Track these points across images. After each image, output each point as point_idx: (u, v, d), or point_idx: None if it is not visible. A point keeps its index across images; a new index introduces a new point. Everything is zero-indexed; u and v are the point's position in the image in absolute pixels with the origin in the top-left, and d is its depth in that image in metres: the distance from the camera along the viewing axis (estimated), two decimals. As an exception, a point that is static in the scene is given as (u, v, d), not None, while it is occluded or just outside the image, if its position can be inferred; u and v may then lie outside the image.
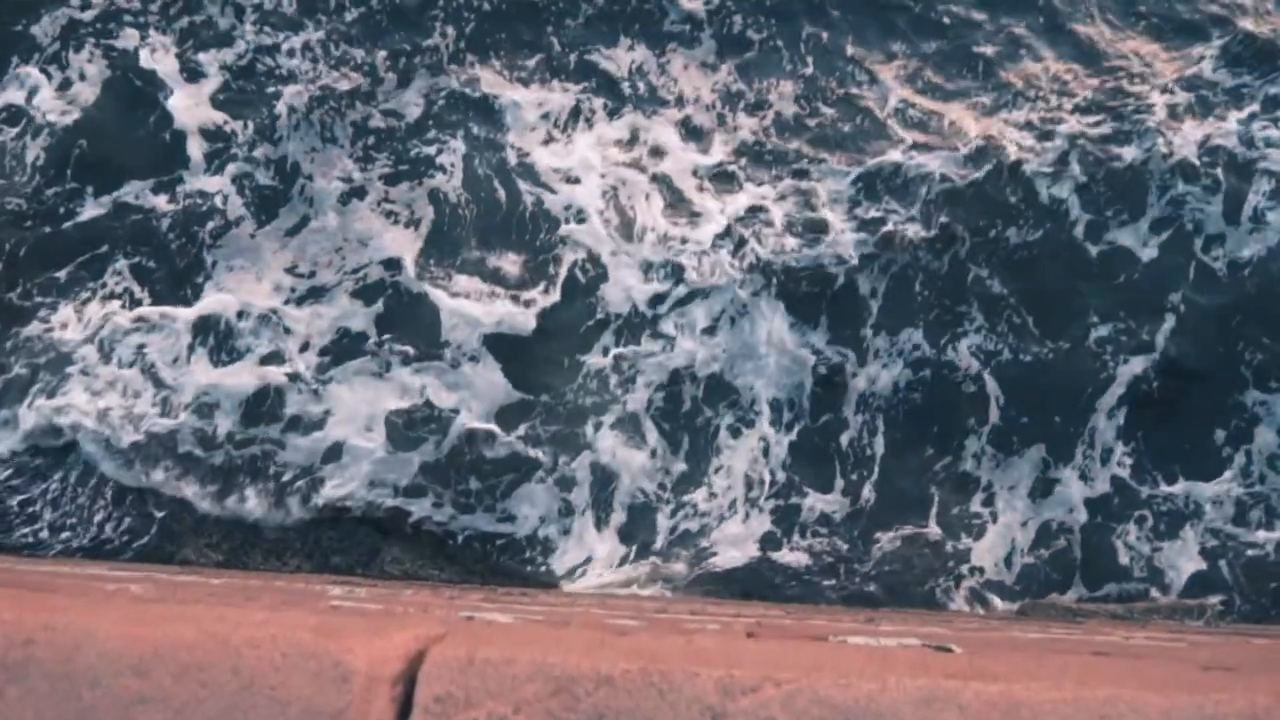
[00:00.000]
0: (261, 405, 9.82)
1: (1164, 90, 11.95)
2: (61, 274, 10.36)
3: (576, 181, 11.10)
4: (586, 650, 2.12)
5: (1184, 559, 9.51)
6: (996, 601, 9.35)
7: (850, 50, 12.11)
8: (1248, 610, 9.41)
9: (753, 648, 2.61)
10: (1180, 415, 10.13)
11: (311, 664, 1.98)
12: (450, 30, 12.00)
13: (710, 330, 10.53)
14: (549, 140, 11.44)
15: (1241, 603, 9.44)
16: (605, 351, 10.30)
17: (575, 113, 11.61)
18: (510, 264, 10.70)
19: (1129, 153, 11.53)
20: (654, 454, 9.81)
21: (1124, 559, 9.56)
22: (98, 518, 9.46)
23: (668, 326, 10.59)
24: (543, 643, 2.18)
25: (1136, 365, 10.33)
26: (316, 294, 10.38)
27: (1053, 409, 10.21)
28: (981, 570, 9.55)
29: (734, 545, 9.48)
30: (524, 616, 3.80)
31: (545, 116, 11.58)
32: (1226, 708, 1.93)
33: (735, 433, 10.06)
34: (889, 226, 11.09)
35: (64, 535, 9.14)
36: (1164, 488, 9.83)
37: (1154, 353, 10.39)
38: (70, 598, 2.54)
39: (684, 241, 11.14)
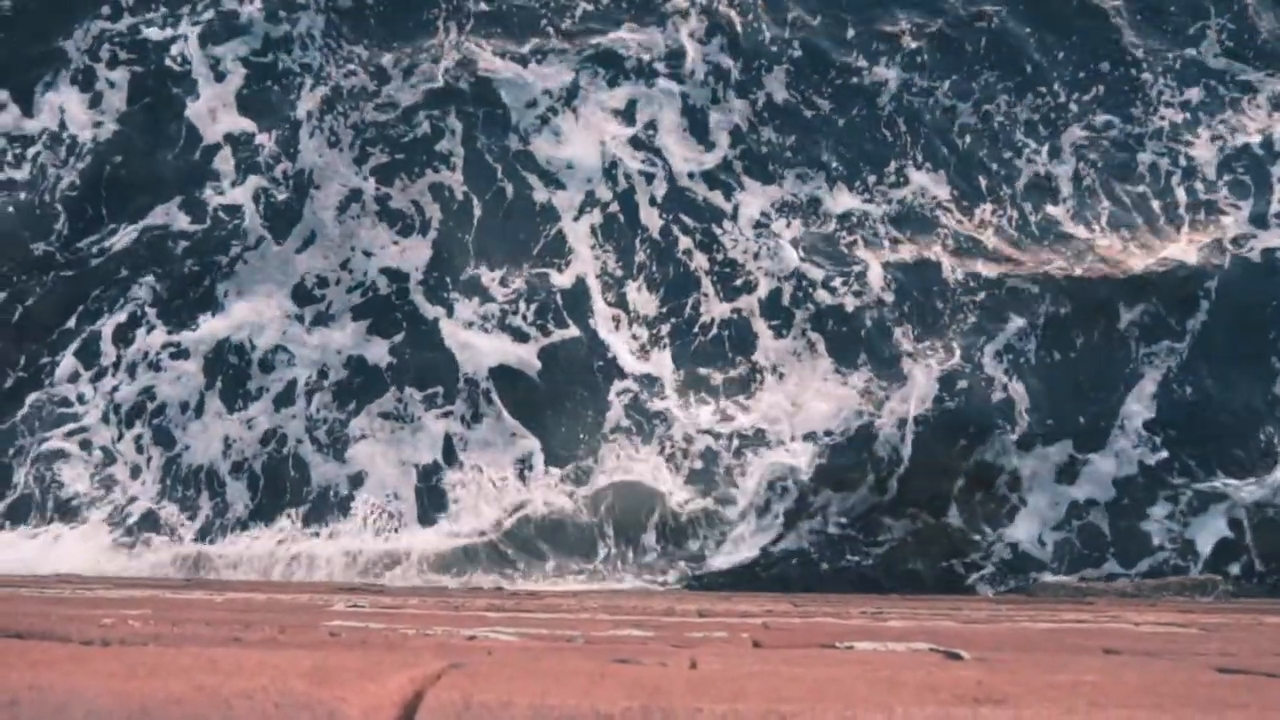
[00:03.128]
0: (279, 479, 9.68)
1: (1172, 85, 11.79)
2: (73, 318, 10.31)
3: (582, 180, 11.02)
4: (587, 686, 2.08)
5: (1208, 533, 9.46)
6: (1007, 582, 9.33)
7: (854, 53, 12.01)
8: (1275, 579, 9.35)
9: (758, 669, 2.56)
10: (1211, 403, 10.08)
11: (305, 715, 1.93)
12: (451, 19, 11.92)
13: (721, 351, 10.42)
14: (550, 131, 11.35)
15: (1263, 567, 9.38)
16: (618, 383, 10.18)
17: (574, 103, 11.52)
18: (518, 281, 10.57)
19: (1144, 155, 11.36)
20: (680, 481, 9.72)
21: (1155, 536, 9.50)
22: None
23: (674, 351, 10.46)
24: (541, 678, 2.14)
25: (1168, 359, 10.25)
26: (327, 320, 10.29)
27: (1081, 400, 10.11)
28: (1010, 548, 9.49)
29: (756, 548, 9.42)
30: (529, 631, 3.76)
31: (545, 105, 11.48)
32: (1242, 727, 1.89)
33: (760, 449, 9.93)
34: (900, 238, 11.01)
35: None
36: (1189, 468, 9.78)
37: (1183, 344, 10.31)
38: (60, 645, 2.50)
39: (689, 255, 11.00)
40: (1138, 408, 9.95)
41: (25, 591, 6.02)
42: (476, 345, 10.15)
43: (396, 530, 9.41)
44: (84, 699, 1.93)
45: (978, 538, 9.42)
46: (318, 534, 9.42)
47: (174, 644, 2.81)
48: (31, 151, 10.95)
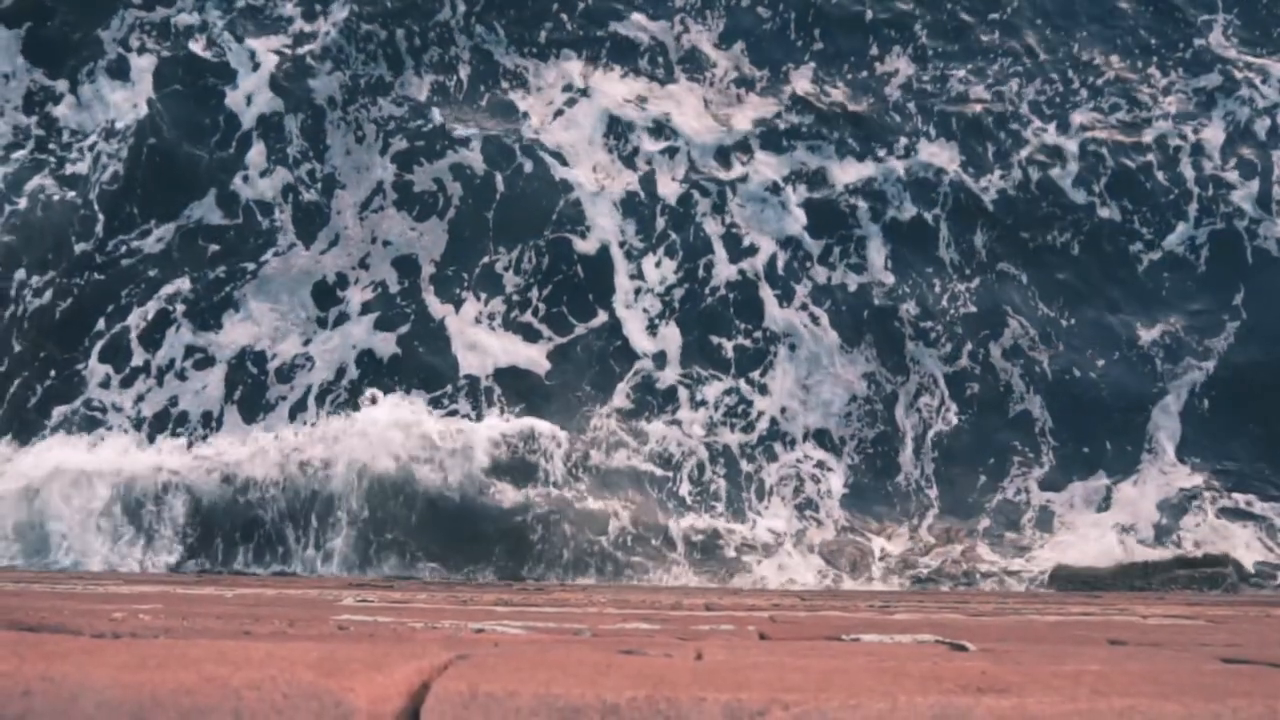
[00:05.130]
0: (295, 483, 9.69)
1: (1180, 73, 11.76)
2: (102, 319, 10.32)
3: (597, 189, 11.04)
4: (592, 677, 2.09)
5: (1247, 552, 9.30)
6: (1017, 577, 9.25)
7: (870, 43, 12.03)
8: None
9: (763, 660, 2.57)
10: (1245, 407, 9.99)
11: (313, 705, 1.95)
12: (463, 7, 11.95)
13: (738, 356, 10.40)
14: (564, 118, 11.37)
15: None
16: (629, 381, 10.18)
17: (588, 86, 11.55)
18: (529, 274, 10.59)
19: (1150, 136, 11.32)
20: (700, 486, 9.68)
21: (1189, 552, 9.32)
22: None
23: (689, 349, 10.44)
24: (547, 669, 2.15)
25: (1196, 365, 10.17)
26: (345, 318, 10.30)
27: (1110, 412, 10.01)
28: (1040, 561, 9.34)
29: (776, 565, 9.33)
30: (536, 625, 3.78)
31: (558, 94, 11.51)
32: (1245, 714, 1.89)
33: (779, 457, 9.87)
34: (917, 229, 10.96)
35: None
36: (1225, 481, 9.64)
37: (1215, 347, 10.25)
38: (71, 638, 2.53)
39: (705, 249, 10.97)
40: (1162, 417, 9.86)
41: (38, 587, 6.06)
42: (486, 341, 10.16)
43: (407, 528, 9.41)
44: (95, 690, 1.95)
45: (1012, 563, 9.28)
46: (326, 533, 9.44)
47: (184, 637, 2.83)
48: (78, 144, 11.03)
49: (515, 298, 10.33)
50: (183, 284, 10.38)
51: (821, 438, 9.83)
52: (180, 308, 10.30)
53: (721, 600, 6.05)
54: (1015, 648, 3.16)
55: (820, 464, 9.65)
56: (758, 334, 10.34)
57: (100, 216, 10.70)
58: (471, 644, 2.92)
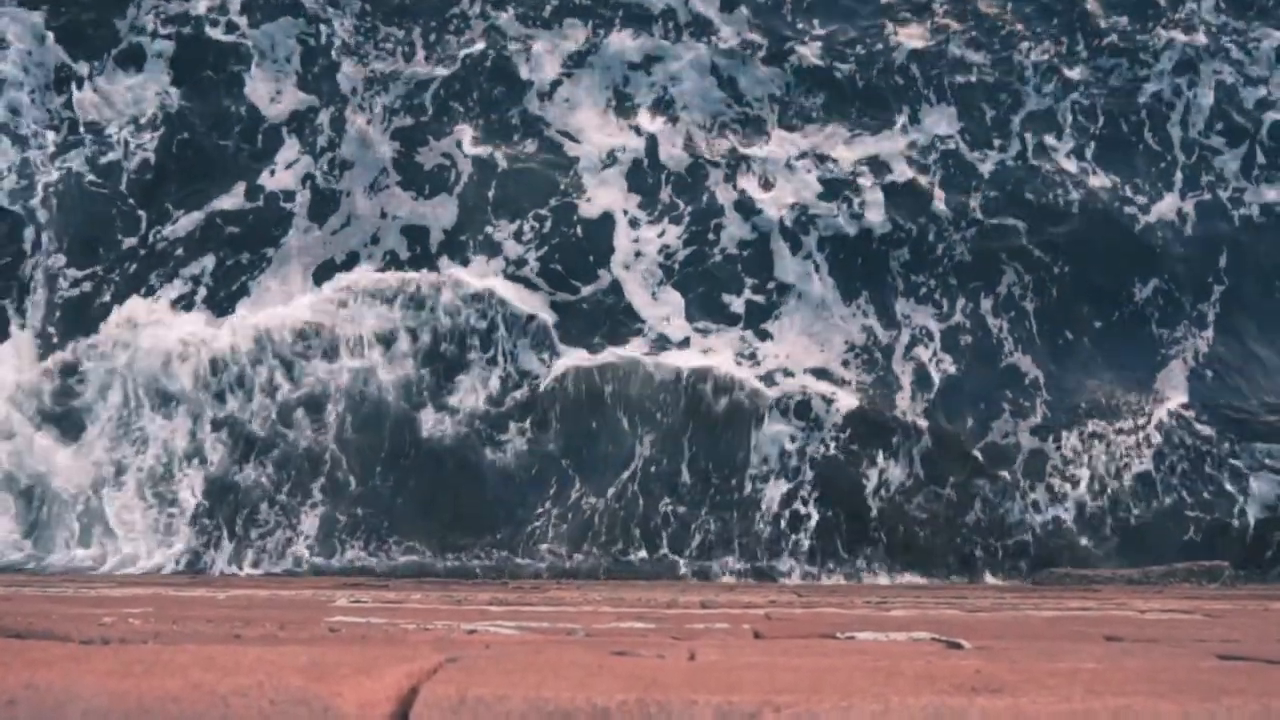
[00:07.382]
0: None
1: (1174, 38, 11.85)
2: (123, 303, 10.26)
3: (604, 156, 11.07)
4: (583, 679, 2.08)
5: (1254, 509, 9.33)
6: (1017, 568, 9.24)
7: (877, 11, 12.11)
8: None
9: (756, 660, 2.56)
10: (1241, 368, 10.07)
11: (301, 710, 1.93)
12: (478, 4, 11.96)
13: (738, 317, 10.42)
14: (564, 88, 11.38)
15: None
16: (643, 337, 10.18)
17: (591, 63, 11.56)
18: (535, 241, 10.59)
19: (1143, 98, 11.44)
20: (692, 461, 9.67)
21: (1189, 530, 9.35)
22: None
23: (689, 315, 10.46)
24: (538, 672, 2.13)
25: (1191, 326, 10.27)
26: (352, 301, 10.28)
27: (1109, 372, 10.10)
28: (1018, 534, 9.37)
29: (766, 530, 9.34)
30: (529, 625, 3.76)
31: (562, 68, 11.51)
32: (1240, 713, 1.88)
33: (778, 383, 9.94)
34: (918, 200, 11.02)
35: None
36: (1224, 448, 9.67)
37: (1207, 309, 10.34)
38: (59, 644, 2.51)
39: (707, 215, 11.01)
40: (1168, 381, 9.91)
41: (28, 590, 6.03)
42: (502, 294, 10.17)
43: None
44: (81, 698, 1.93)
45: (1008, 523, 9.29)
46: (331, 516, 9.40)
47: (173, 642, 2.81)
48: (107, 129, 11.00)
49: (522, 261, 10.37)
50: (206, 264, 10.40)
51: (820, 373, 9.91)
52: (201, 292, 10.31)
53: (718, 598, 6.03)
54: (1011, 645, 3.15)
55: (823, 394, 9.74)
56: (770, 286, 10.39)
57: (130, 201, 10.70)
58: (463, 646, 2.90)
